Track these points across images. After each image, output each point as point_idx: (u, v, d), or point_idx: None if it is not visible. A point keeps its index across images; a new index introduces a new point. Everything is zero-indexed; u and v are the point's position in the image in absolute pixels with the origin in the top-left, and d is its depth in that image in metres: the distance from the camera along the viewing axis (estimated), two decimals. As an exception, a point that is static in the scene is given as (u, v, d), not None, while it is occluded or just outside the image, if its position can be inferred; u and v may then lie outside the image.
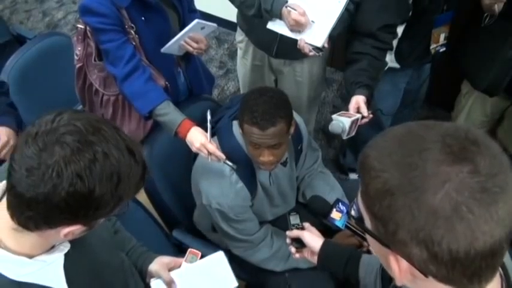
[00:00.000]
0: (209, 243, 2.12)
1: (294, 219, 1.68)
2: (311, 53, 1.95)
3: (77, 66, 2.09)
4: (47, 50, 2.54)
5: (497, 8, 1.98)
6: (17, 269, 0.98)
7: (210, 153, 1.77)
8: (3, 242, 0.98)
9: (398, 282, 0.73)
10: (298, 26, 1.90)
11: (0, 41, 3.09)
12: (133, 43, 1.90)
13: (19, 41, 3.21)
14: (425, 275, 0.67)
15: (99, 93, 2.10)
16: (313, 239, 1.51)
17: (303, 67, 2.38)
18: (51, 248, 1.04)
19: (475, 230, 0.61)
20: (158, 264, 1.53)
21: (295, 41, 1.96)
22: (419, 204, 0.62)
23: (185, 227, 2.16)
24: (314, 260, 1.51)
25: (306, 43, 1.93)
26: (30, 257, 0.99)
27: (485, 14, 2.06)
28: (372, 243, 0.75)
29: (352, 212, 0.77)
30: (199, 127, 1.84)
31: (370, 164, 0.69)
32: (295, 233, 1.54)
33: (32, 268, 0.99)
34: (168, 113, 1.87)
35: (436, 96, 2.98)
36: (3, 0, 4.82)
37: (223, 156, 1.77)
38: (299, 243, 1.54)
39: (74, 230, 0.94)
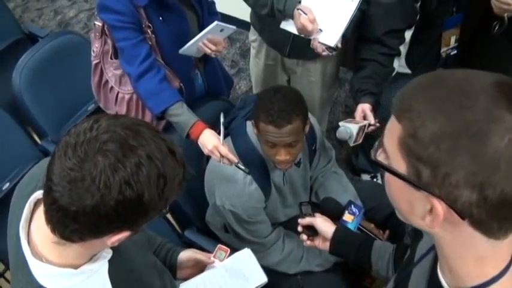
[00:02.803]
0: (221, 243, 2.10)
1: (306, 209, 1.68)
2: (324, 53, 1.93)
3: (94, 62, 2.09)
4: (60, 48, 2.53)
5: (507, 16, 1.95)
6: (64, 281, 0.96)
7: (222, 156, 1.76)
8: (44, 256, 0.95)
9: (426, 227, 0.72)
10: (305, 31, 1.88)
11: (12, 39, 3.10)
12: (150, 43, 1.89)
13: (31, 39, 3.21)
14: (463, 218, 0.66)
15: (114, 90, 2.10)
16: (326, 225, 1.53)
17: (316, 67, 2.36)
18: (94, 256, 1.01)
19: None
20: (189, 250, 1.55)
21: (308, 41, 1.95)
22: (484, 148, 0.62)
23: (197, 227, 2.16)
24: (325, 247, 1.53)
25: (320, 43, 1.91)
26: (75, 267, 0.97)
27: (495, 23, 2.03)
28: (397, 189, 0.74)
29: (378, 156, 0.75)
30: (212, 129, 1.83)
31: (419, 107, 0.67)
32: (307, 220, 1.56)
33: (80, 278, 0.98)
34: (181, 113, 1.86)
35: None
36: (15, -2, 4.84)
37: (236, 160, 1.76)
38: (311, 230, 1.55)
39: (121, 237, 0.91)
